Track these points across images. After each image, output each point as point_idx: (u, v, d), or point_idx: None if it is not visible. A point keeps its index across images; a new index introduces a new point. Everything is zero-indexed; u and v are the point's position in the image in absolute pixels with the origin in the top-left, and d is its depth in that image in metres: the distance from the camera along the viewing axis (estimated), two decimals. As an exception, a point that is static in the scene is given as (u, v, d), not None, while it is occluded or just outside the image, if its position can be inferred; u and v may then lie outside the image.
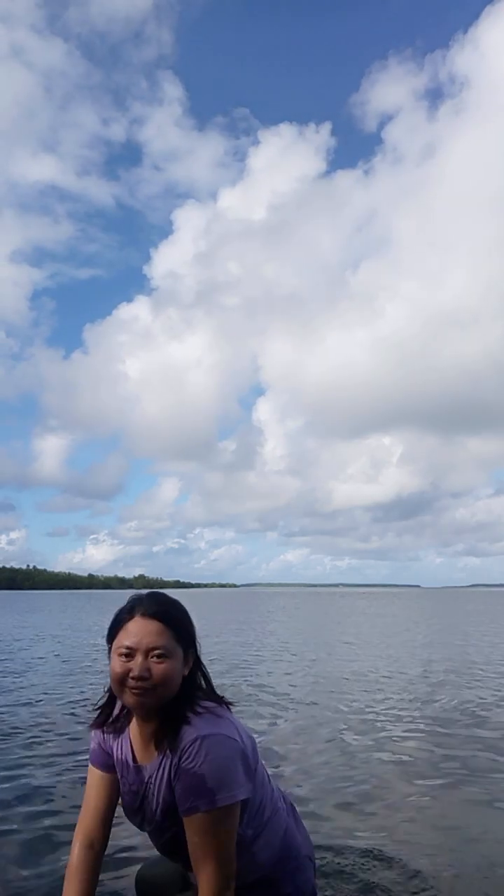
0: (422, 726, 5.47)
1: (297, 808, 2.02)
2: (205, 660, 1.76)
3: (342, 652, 12.02)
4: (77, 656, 11.05)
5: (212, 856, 1.54)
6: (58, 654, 11.30)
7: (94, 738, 1.81)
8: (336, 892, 2.41)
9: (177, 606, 1.68)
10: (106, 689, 1.77)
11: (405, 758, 4.48)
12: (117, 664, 1.58)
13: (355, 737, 5.08)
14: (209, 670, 1.77)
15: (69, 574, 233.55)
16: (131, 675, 1.55)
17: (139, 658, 1.56)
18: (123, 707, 1.74)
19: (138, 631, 1.58)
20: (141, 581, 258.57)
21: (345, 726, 5.43)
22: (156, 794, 1.65)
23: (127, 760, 1.71)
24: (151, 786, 1.65)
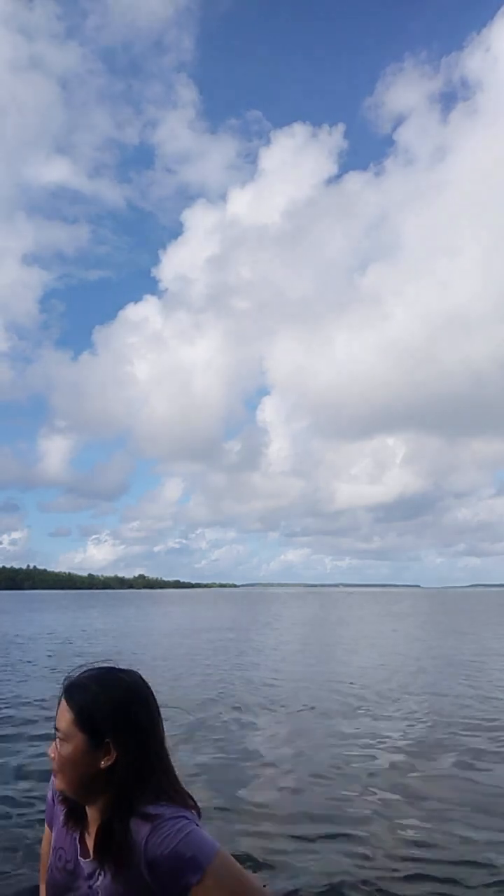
0: (417, 721, 5.54)
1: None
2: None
3: (325, 650, 12.05)
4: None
5: None
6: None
7: (51, 788, 1.51)
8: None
9: (88, 689, 1.39)
10: None
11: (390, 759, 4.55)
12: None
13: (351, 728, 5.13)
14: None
15: (69, 574, 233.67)
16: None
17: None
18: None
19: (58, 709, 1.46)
20: (141, 581, 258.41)
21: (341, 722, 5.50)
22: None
23: (73, 839, 1.47)
24: (88, 886, 1.41)
